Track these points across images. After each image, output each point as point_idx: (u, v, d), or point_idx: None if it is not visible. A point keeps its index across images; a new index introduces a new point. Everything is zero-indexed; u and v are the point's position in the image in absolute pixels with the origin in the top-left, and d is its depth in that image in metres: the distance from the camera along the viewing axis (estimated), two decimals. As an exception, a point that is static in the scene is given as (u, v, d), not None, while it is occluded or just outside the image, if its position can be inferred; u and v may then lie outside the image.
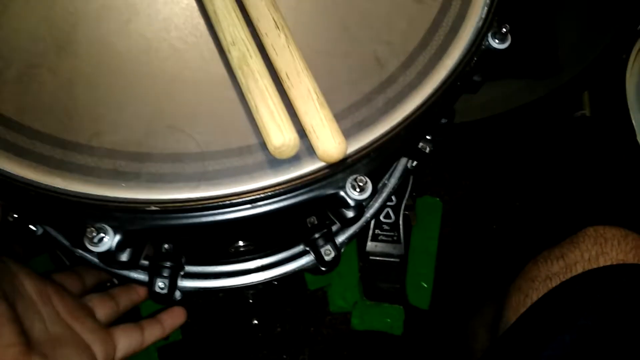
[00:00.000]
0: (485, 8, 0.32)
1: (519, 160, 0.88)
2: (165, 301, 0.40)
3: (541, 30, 0.83)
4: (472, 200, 0.86)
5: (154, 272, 0.39)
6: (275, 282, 0.43)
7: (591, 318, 0.37)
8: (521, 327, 0.40)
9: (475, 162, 0.89)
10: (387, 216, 0.80)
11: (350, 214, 0.30)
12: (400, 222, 0.79)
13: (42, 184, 0.26)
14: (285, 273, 0.42)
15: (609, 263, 0.40)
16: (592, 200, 0.81)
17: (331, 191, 0.28)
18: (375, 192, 0.31)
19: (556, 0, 0.81)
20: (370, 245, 0.77)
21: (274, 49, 0.28)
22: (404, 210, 0.80)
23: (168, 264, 0.39)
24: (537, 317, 0.40)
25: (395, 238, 0.79)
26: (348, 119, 0.29)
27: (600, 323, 0.37)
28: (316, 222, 0.41)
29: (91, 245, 0.26)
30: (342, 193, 0.28)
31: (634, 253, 0.41)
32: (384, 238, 0.79)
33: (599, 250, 0.42)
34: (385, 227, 0.79)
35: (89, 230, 0.26)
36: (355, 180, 0.28)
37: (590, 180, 0.83)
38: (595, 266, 0.40)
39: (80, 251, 0.43)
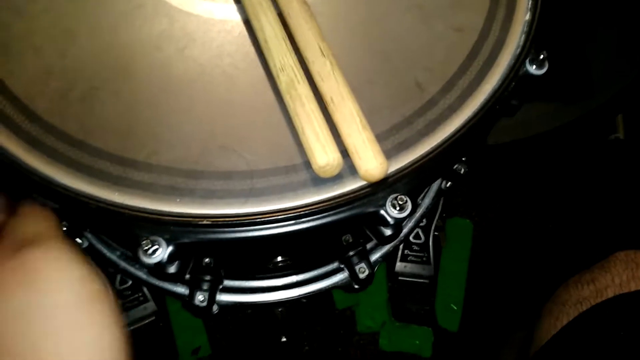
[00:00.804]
0: (524, 36, 0.33)
1: (551, 183, 0.88)
2: (204, 314, 0.42)
3: (574, 52, 0.83)
4: (503, 222, 0.85)
5: (195, 285, 0.40)
6: (304, 300, 0.44)
7: (622, 343, 0.37)
8: (551, 351, 0.40)
9: (506, 184, 0.88)
10: (417, 237, 0.80)
11: (388, 232, 0.31)
12: (430, 242, 0.79)
13: (101, 198, 0.28)
14: (320, 289, 0.43)
15: None
16: (623, 223, 0.79)
17: (372, 209, 0.29)
18: (414, 211, 0.32)
19: (590, 23, 0.81)
20: (399, 265, 0.77)
21: (320, 75, 0.29)
22: (434, 231, 0.80)
23: (208, 277, 0.41)
24: (567, 341, 0.40)
25: (424, 259, 0.79)
26: (389, 140, 0.30)
27: (631, 348, 0.36)
28: (351, 240, 0.42)
29: (145, 257, 0.27)
30: (382, 211, 0.29)
31: None
32: (413, 259, 0.79)
33: (630, 274, 0.42)
34: (415, 247, 0.79)
35: (144, 242, 0.27)
36: (395, 199, 0.29)
37: (621, 204, 0.82)
38: (626, 291, 0.40)
39: (124, 264, 0.44)
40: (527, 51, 0.32)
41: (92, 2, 0.34)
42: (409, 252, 0.78)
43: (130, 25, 0.33)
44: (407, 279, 0.77)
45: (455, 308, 0.77)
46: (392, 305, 0.77)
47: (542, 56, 0.32)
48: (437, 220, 0.80)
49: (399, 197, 0.29)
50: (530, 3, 0.34)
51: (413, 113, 0.31)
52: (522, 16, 0.33)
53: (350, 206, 0.28)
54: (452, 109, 0.31)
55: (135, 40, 0.32)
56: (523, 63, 0.32)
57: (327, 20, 0.33)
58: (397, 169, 0.29)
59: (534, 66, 0.32)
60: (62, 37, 0.32)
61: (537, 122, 0.85)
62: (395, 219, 0.29)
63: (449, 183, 0.47)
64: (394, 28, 0.34)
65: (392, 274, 0.76)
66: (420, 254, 0.78)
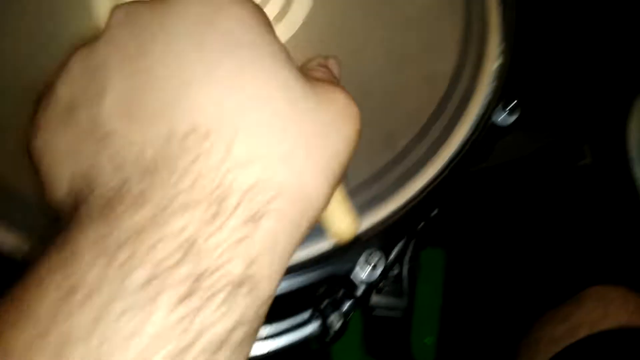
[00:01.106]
0: (494, 83, 0.32)
1: (521, 211, 0.88)
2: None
3: (538, 83, 0.84)
4: (475, 251, 0.85)
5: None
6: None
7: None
8: None
9: (477, 211, 0.88)
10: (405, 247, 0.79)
11: (360, 291, 0.29)
12: (405, 273, 0.78)
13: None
14: (290, 344, 0.41)
15: (613, 325, 0.40)
16: (596, 254, 0.80)
17: (343, 270, 0.27)
18: (387, 271, 0.31)
19: (554, 53, 0.82)
20: (374, 299, 0.76)
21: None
22: (409, 261, 0.79)
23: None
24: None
25: (399, 291, 0.78)
26: (361, 196, 0.29)
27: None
28: (324, 290, 0.40)
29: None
30: (354, 272, 0.27)
31: (638, 314, 0.41)
32: (388, 291, 0.78)
33: (602, 312, 0.42)
34: (390, 279, 0.78)
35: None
36: (368, 257, 0.27)
37: (594, 234, 0.83)
38: (599, 329, 0.40)
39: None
40: (497, 99, 0.32)
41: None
42: (384, 284, 0.77)
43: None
44: (382, 312, 0.76)
45: (430, 342, 0.76)
46: (366, 341, 0.75)
47: (512, 104, 0.31)
48: (412, 251, 0.79)
49: (372, 254, 0.27)
50: (499, 50, 0.33)
51: (384, 166, 0.29)
52: (492, 64, 0.33)
53: (320, 266, 0.27)
54: (423, 161, 0.30)
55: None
56: (493, 111, 0.31)
57: (297, 58, 0.32)
58: (370, 226, 0.28)
59: (504, 114, 0.32)
60: None
61: (502, 151, 0.86)
62: (368, 282, 0.27)
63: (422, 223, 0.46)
64: (365, 76, 0.32)
65: (366, 308, 0.75)
66: (395, 286, 0.77)
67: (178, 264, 0.15)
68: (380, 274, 0.28)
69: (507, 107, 0.32)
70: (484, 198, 0.89)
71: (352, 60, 0.32)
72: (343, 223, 0.26)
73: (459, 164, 0.30)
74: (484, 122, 0.31)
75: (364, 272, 0.27)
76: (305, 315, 0.42)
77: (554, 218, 0.87)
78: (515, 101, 0.31)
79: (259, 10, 0.19)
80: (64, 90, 0.18)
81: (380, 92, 0.32)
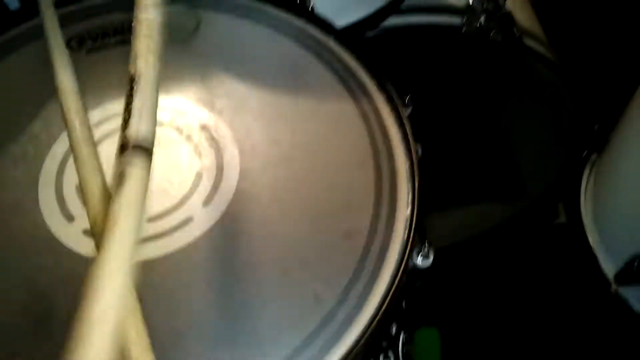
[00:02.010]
0: (407, 231, 0.36)
1: (508, 276, 0.90)
2: None
3: (500, 153, 0.88)
4: (468, 327, 0.86)
5: None
6: None
7: None
8: None
9: (466, 285, 0.90)
10: (386, 356, 0.79)
11: None
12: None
13: None
14: None
15: None
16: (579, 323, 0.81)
17: None
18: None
19: (511, 123, 0.86)
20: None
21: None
22: (403, 346, 0.80)
23: None
24: None
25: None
26: (295, 363, 0.32)
27: None
28: None
29: None
30: None
31: None
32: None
33: None
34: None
35: None
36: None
37: (577, 294, 0.84)
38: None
39: None
40: (412, 245, 0.35)
41: (9, 256, 0.36)
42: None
43: (45, 274, 0.35)
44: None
45: None
46: None
47: (426, 248, 0.35)
48: (405, 335, 0.80)
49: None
50: (409, 197, 0.37)
51: (314, 330, 0.33)
52: (404, 212, 0.37)
53: None
54: (351, 318, 0.33)
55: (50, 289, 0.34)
56: (410, 257, 0.35)
57: (226, 240, 0.36)
58: (305, 392, 0.31)
59: (421, 258, 0.35)
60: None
61: (477, 222, 0.88)
62: None
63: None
64: (289, 238, 0.36)
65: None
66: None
67: None
68: None
69: (421, 252, 0.35)
70: (470, 270, 0.91)
71: (274, 232, 0.37)
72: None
73: (385, 313, 0.33)
74: (403, 268, 0.34)
75: None
76: None
77: (538, 278, 0.88)
78: (429, 245, 0.35)
79: None
80: None
81: (307, 254, 0.36)
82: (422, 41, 0.65)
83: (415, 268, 0.35)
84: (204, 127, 0.41)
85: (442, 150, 0.64)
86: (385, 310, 0.33)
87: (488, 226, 0.88)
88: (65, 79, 0.41)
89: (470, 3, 0.70)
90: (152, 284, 0.34)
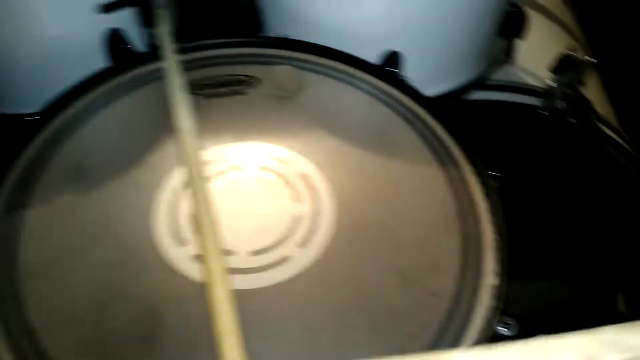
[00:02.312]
0: (493, 300, 0.37)
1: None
2: None
3: (565, 231, 0.88)
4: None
5: None
6: None
7: None
8: None
9: None
10: None
11: None
12: None
13: None
14: None
15: None
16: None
17: None
18: None
19: (578, 206, 0.86)
20: None
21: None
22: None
23: None
24: None
25: None
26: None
27: None
28: None
29: None
30: None
31: None
32: None
33: None
34: None
35: None
36: None
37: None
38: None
39: None
40: (497, 315, 0.37)
41: (125, 274, 0.40)
42: None
43: (157, 292, 0.38)
44: None
45: None
46: None
47: (511, 321, 0.37)
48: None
49: None
50: (495, 266, 0.39)
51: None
52: (490, 279, 0.38)
53: None
54: (433, 377, 0.34)
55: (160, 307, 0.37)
56: (493, 326, 0.36)
57: (320, 282, 0.39)
58: None
59: (505, 328, 0.37)
60: (96, 307, 0.38)
61: (535, 298, 0.87)
62: None
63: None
64: (378, 289, 0.39)
65: None
66: None
67: None
68: None
69: (505, 321, 0.37)
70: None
71: (364, 282, 0.39)
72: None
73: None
74: (487, 336, 0.36)
75: None
76: None
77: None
78: (512, 321, 0.36)
79: None
80: None
81: (395, 308, 0.38)
82: (499, 118, 0.68)
83: (498, 336, 0.36)
84: (303, 176, 0.45)
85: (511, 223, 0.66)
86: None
87: (545, 303, 0.87)
88: (184, 119, 0.46)
89: (550, 86, 0.73)
90: (250, 313, 0.37)
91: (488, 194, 0.44)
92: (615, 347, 0.23)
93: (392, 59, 0.53)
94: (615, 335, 0.23)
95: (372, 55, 0.53)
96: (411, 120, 0.49)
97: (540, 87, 0.74)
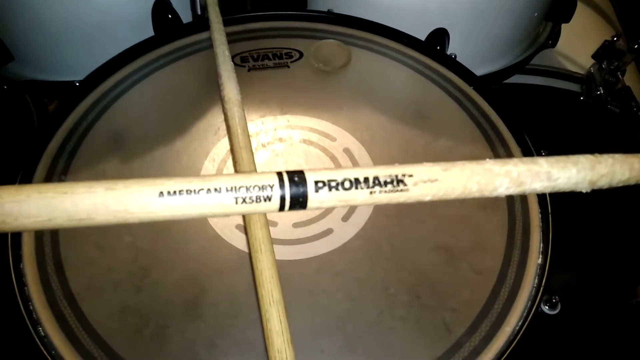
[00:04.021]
0: (537, 278, 0.37)
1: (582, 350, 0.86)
2: None
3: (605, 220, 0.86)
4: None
5: None
6: None
7: None
8: None
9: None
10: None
11: None
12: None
13: None
14: None
15: None
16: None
17: None
18: None
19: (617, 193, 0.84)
20: None
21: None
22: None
23: None
24: None
25: None
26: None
27: None
28: None
29: None
30: None
31: None
32: None
33: None
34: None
35: None
36: None
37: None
38: None
39: None
40: (542, 293, 0.36)
41: (169, 240, 0.40)
42: None
43: (200, 260, 0.39)
44: None
45: None
46: None
47: (554, 299, 0.36)
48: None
49: None
50: (541, 246, 0.39)
51: (442, 355, 0.34)
52: (535, 259, 0.38)
53: None
54: (477, 352, 0.34)
55: (202, 276, 0.38)
56: (539, 305, 0.36)
57: (362, 255, 0.39)
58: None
59: (547, 306, 0.36)
60: (138, 273, 0.38)
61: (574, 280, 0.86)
62: None
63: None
64: (422, 265, 0.39)
65: None
66: None
67: None
68: None
69: (550, 300, 0.36)
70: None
71: (407, 256, 0.39)
72: None
73: (511, 352, 0.34)
74: (531, 315, 0.36)
75: None
76: None
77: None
78: (557, 297, 0.36)
79: None
80: None
81: (438, 284, 0.38)
82: (540, 102, 0.67)
83: (543, 315, 0.36)
84: (347, 151, 0.45)
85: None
86: (511, 351, 0.34)
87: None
88: (231, 90, 0.46)
89: (591, 72, 0.71)
90: (293, 283, 0.37)
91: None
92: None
93: (439, 36, 0.52)
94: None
95: (419, 33, 0.52)
96: (459, 98, 0.48)
97: (581, 74, 0.73)
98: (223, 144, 0.45)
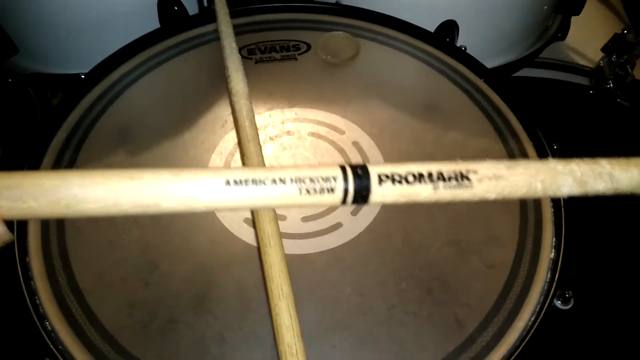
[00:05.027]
0: (550, 273, 0.37)
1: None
2: None
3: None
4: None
5: None
6: None
7: None
8: None
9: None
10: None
11: None
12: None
13: None
14: None
15: None
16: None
17: None
18: None
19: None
20: None
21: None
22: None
23: None
24: None
25: None
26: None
27: None
28: None
29: None
30: None
31: None
32: None
33: None
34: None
35: None
36: None
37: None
38: None
39: None
40: (555, 288, 0.36)
41: (177, 234, 0.40)
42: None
43: (208, 254, 0.38)
44: None
45: None
46: None
47: (567, 294, 0.36)
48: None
49: None
50: (554, 241, 0.38)
51: (454, 350, 0.34)
52: (548, 254, 0.38)
53: None
54: (489, 347, 0.34)
55: (210, 269, 0.37)
56: (552, 300, 0.36)
57: (372, 249, 0.38)
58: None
59: (561, 301, 0.36)
60: (146, 267, 0.38)
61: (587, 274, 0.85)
62: None
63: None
64: (433, 260, 0.38)
65: None
66: None
67: None
68: None
69: (563, 295, 0.36)
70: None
71: (418, 251, 0.38)
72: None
73: (523, 347, 0.34)
74: (544, 309, 0.35)
75: None
76: None
77: None
78: (570, 292, 0.35)
79: None
80: None
81: (450, 279, 0.37)
82: (549, 96, 0.67)
83: (556, 310, 0.35)
84: (355, 144, 0.44)
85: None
86: (524, 346, 0.34)
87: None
88: (238, 83, 0.45)
89: (600, 65, 0.70)
90: (302, 278, 0.37)
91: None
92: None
93: (449, 28, 0.52)
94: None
95: (428, 25, 0.52)
96: (469, 91, 0.48)
97: (590, 67, 0.72)
98: (231, 137, 0.45)
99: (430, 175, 0.23)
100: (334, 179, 0.22)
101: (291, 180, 0.22)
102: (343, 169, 0.22)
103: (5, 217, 0.20)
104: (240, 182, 0.22)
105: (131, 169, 0.21)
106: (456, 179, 0.23)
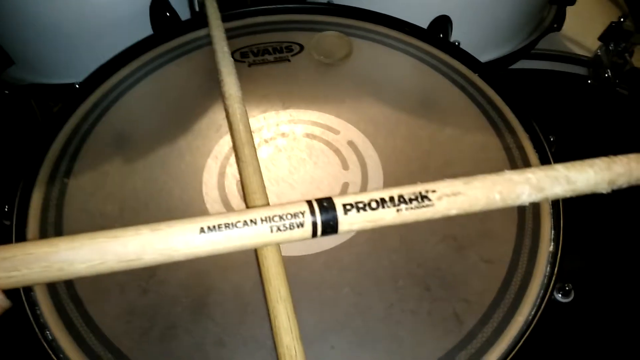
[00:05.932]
0: (549, 267, 0.36)
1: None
2: None
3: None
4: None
5: None
6: None
7: None
8: None
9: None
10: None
11: None
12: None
13: None
14: None
15: None
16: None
17: None
18: None
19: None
20: None
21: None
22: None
23: None
24: None
25: None
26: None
27: None
28: None
29: None
30: None
31: None
32: None
33: None
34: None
35: None
36: None
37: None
38: None
39: None
40: (555, 282, 0.36)
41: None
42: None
43: (205, 259, 0.38)
44: None
45: None
46: None
47: (567, 287, 0.35)
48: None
49: None
50: (553, 234, 0.38)
51: (454, 347, 0.34)
52: (547, 247, 0.37)
53: None
54: (490, 343, 0.34)
55: (206, 273, 0.37)
56: (552, 294, 0.35)
57: (370, 248, 0.38)
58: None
59: (561, 294, 0.35)
60: (143, 274, 0.38)
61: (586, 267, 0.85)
62: None
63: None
64: (431, 257, 0.38)
65: None
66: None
67: None
68: None
69: (563, 288, 0.35)
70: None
71: (415, 248, 0.38)
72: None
73: (524, 342, 0.34)
74: (544, 303, 0.35)
75: None
76: None
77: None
78: (570, 285, 0.35)
79: None
80: None
81: (448, 274, 0.37)
82: (547, 87, 0.66)
83: (556, 303, 0.35)
84: (351, 143, 0.44)
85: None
86: (525, 341, 0.34)
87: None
88: (231, 86, 0.45)
89: (598, 54, 0.70)
90: (300, 280, 0.37)
91: (548, 161, 0.42)
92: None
93: (442, 24, 0.51)
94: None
95: (421, 21, 0.52)
96: (464, 86, 0.48)
97: (588, 57, 0.71)
98: (226, 141, 0.45)
99: (391, 199, 0.24)
100: (302, 214, 0.24)
101: (262, 220, 0.24)
102: (309, 203, 0.24)
103: (3, 287, 0.21)
104: (214, 227, 0.23)
105: (114, 229, 0.23)
106: (417, 200, 0.24)
